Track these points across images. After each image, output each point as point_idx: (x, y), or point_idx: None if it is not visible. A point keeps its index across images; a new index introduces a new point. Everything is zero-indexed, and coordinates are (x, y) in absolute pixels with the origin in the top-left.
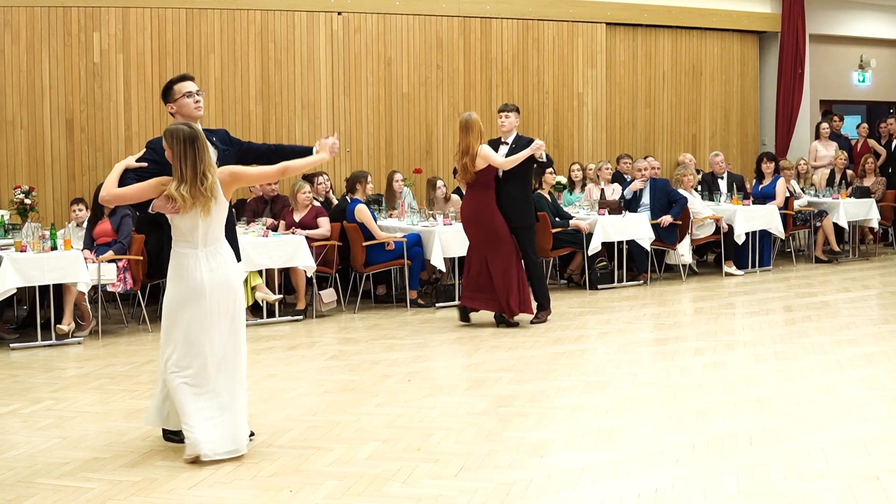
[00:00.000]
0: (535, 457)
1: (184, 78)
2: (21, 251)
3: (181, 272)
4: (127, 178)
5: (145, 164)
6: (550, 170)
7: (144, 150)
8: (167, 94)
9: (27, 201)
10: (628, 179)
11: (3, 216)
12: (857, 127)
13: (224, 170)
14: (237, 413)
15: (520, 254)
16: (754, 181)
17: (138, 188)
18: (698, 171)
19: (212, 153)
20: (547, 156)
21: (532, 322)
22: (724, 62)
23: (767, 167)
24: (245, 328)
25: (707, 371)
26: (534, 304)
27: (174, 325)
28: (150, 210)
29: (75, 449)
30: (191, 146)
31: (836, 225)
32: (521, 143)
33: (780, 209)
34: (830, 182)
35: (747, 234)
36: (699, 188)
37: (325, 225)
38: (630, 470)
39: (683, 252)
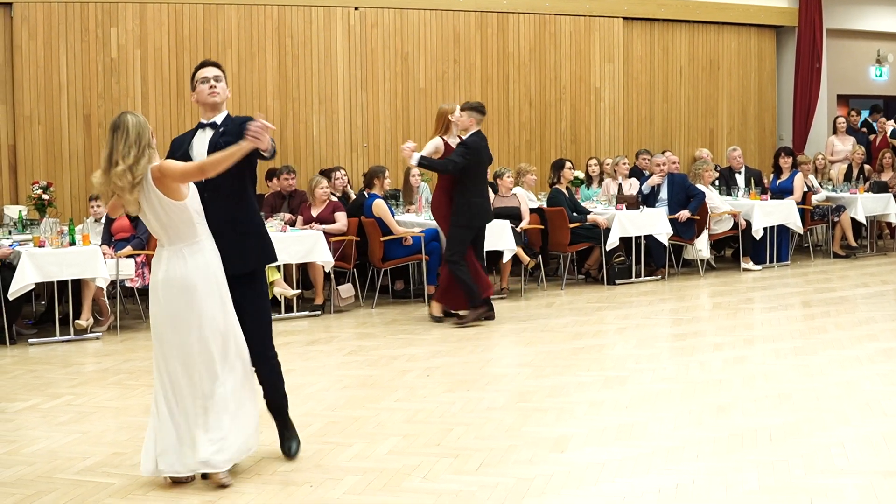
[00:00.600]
0: (555, 452)
1: (203, 65)
2: (39, 246)
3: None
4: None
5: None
6: (569, 164)
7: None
8: (192, 79)
9: (45, 197)
10: (646, 175)
11: (21, 212)
12: (877, 121)
13: (154, 165)
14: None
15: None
16: (772, 176)
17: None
18: (716, 167)
19: (201, 143)
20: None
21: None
22: (742, 57)
23: (785, 162)
24: (220, 331)
25: (726, 366)
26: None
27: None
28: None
29: (95, 444)
30: (111, 133)
31: (853, 220)
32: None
33: (797, 204)
34: (848, 177)
35: (765, 229)
36: (716, 183)
37: (342, 220)
38: (650, 465)
39: (701, 247)
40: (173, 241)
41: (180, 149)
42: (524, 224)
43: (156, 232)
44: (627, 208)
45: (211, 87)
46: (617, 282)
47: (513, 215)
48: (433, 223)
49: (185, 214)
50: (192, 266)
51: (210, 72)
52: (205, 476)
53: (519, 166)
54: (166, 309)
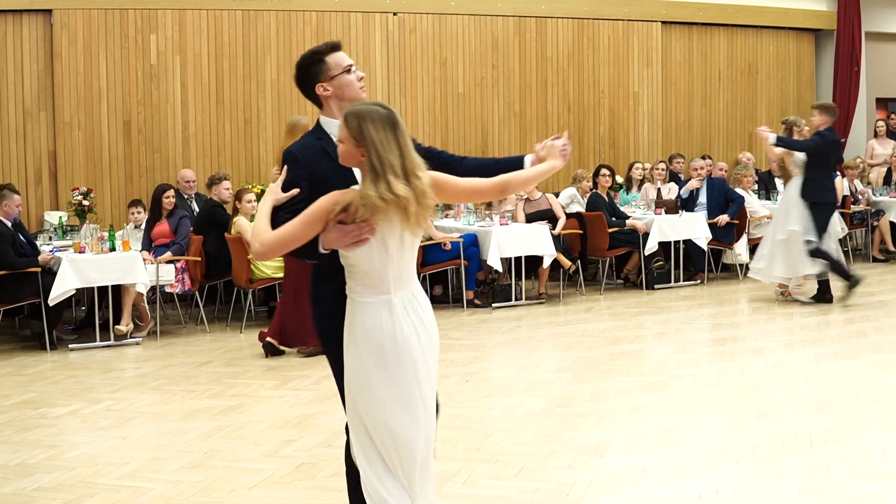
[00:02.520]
0: (595, 457)
1: (335, 48)
2: (79, 252)
3: (365, 328)
4: (280, 218)
5: (295, 192)
6: (605, 171)
7: (283, 169)
8: (313, 68)
9: (85, 203)
10: (683, 179)
11: (61, 218)
12: None
13: (425, 175)
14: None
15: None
16: None
17: (300, 223)
18: (756, 171)
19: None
20: None
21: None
22: (780, 60)
23: None
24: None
25: (766, 371)
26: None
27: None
28: (321, 250)
29: (135, 449)
30: (392, 130)
31: (892, 224)
32: None
33: (838, 208)
34: (887, 180)
35: None
36: (756, 187)
37: None
38: (690, 471)
39: (740, 251)
40: (406, 282)
41: (317, 167)
42: (560, 225)
43: (386, 271)
44: (666, 213)
45: (361, 79)
46: (656, 286)
47: (548, 217)
48: (472, 228)
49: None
50: (429, 308)
51: (349, 59)
52: None
53: (575, 172)
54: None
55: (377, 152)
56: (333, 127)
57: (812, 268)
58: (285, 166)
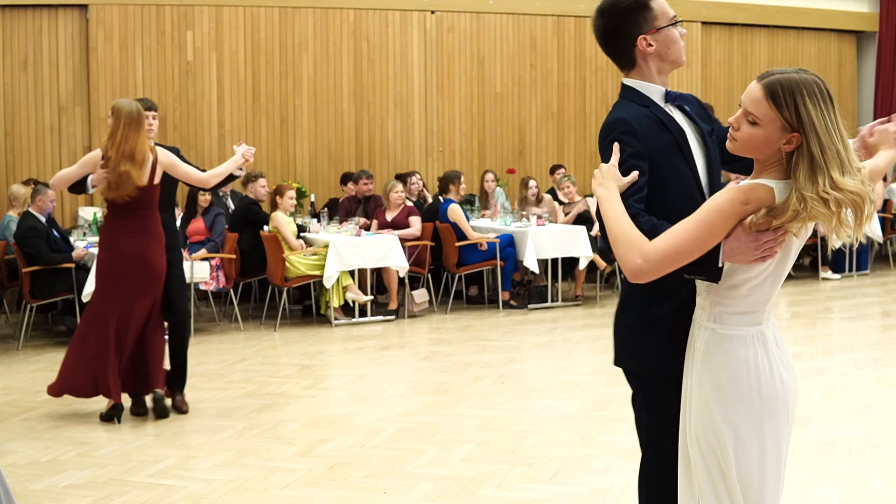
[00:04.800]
0: (632, 462)
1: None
2: None
3: (733, 368)
4: (630, 208)
5: (636, 175)
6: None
7: (612, 140)
8: (634, 15)
9: None
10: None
11: (95, 213)
12: None
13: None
14: None
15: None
16: None
17: (698, 228)
18: None
19: (689, 128)
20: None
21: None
22: (822, 62)
23: None
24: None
25: (805, 377)
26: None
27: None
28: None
29: (168, 447)
30: (832, 106)
31: None
32: None
33: (878, 213)
34: None
35: None
36: None
37: (416, 224)
38: None
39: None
40: (772, 307)
41: (654, 141)
42: (597, 229)
43: (770, 295)
44: None
45: (682, 36)
46: None
47: (585, 219)
48: (508, 229)
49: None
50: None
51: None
52: None
53: None
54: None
55: (818, 138)
56: (656, 93)
57: None
58: (616, 142)
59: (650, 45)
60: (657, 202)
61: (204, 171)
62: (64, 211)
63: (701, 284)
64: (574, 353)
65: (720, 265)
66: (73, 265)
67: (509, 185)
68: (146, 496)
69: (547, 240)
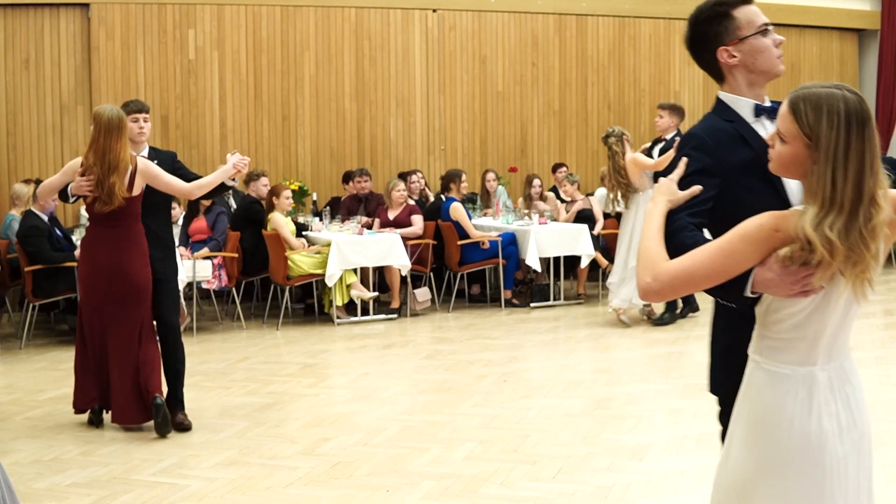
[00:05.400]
0: (634, 460)
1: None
2: None
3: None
4: (678, 221)
5: (698, 189)
6: None
7: (682, 155)
8: (714, 25)
9: None
10: None
11: None
12: None
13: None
14: None
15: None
16: None
17: (719, 252)
18: None
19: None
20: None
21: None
22: (823, 60)
23: None
24: None
25: None
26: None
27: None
28: (749, 293)
29: (171, 446)
30: (860, 131)
31: None
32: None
33: None
34: None
35: None
36: None
37: (418, 223)
38: None
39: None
40: (840, 351)
41: (730, 157)
42: (600, 226)
43: (822, 335)
44: None
45: (779, 45)
46: None
47: (587, 217)
48: (510, 227)
49: None
50: (861, 388)
51: (765, 17)
52: None
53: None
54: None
55: (832, 166)
56: (745, 107)
57: None
58: (682, 154)
59: (733, 56)
60: (731, 219)
61: (197, 178)
62: (66, 210)
63: (761, 317)
64: (576, 352)
65: (749, 293)
66: (75, 264)
67: (511, 183)
68: (149, 495)
69: (549, 238)
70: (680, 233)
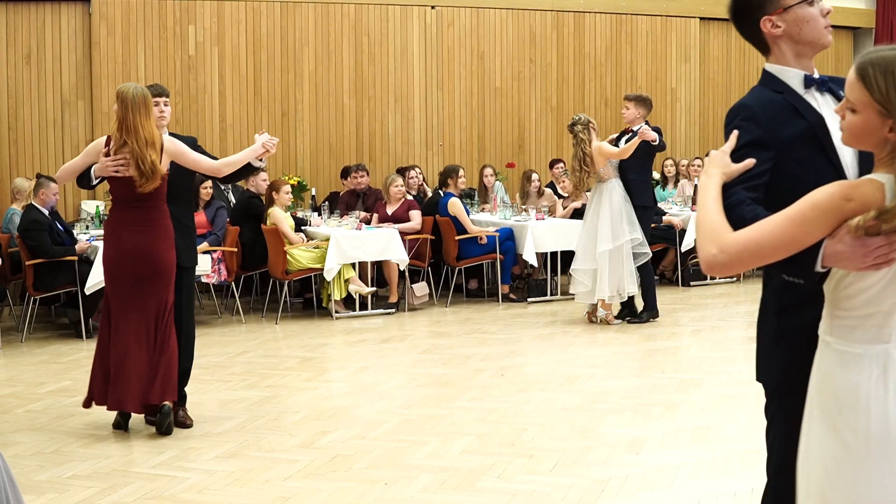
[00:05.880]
0: (630, 454)
1: None
2: None
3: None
4: (735, 195)
5: (752, 162)
6: None
7: (733, 127)
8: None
9: None
10: None
11: (98, 207)
12: None
13: None
14: None
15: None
16: None
17: (788, 223)
18: None
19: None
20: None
21: (180, 422)
22: (819, 58)
23: None
24: None
25: None
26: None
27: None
28: (819, 268)
29: (171, 438)
30: None
31: None
32: None
33: None
34: None
35: None
36: None
37: (416, 218)
38: (726, 469)
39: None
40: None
41: (782, 129)
42: None
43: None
44: None
45: (826, 14)
46: (692, 283)
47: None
48: (508, 222)
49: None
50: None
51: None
52: None
53: None
54: None
55: None
56: (794, 78)
57: (634, 284)
58: (736, 129)
59: (776, 26)
60: (784, 193)
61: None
62: (67, 204)
63: (830, 294)
64: (573, 346)
65: (819, 268)
66: (75, 258)
67: (509, 179)
68: (149, 487)
69: (546, 233)
70: (738, 206)
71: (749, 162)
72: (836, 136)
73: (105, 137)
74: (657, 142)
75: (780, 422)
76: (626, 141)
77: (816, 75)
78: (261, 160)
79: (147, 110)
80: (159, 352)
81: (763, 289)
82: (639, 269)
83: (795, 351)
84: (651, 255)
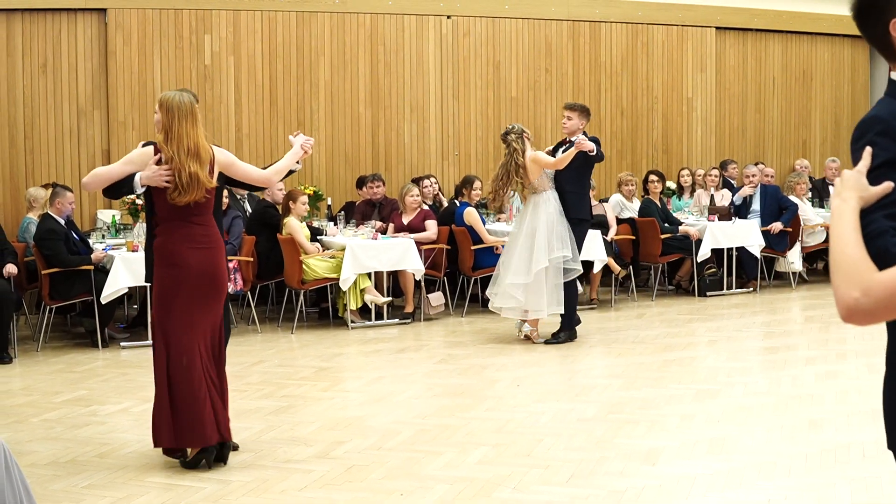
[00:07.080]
0: (647, 464)
1: None
2: (133, 251)
3: None
4: (875, 223)
5: (890, 185)
6: (653, 177)
7: (865, 143)
8: None
9: (138, 202)
10: (735, 186)
11: (114, 216)
12: None
13: None
14: None
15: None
16: None
17: None
18: (810, 178)
19: None
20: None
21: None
22: (835, 67)
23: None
24: None
25: (819, 381)
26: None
27: None
28: None
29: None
30: None
31: None
32: None
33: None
34: None
35: None
36: (809, 195)
37: (432, 228)
38: (742, 480)
39: (793, 259)
40: None
41: None
42: (613, 232)
43: None
44: (719, 219)
45: None
46: (708, 293)
47: (601, 223)
48: None
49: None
50: None
51: None
52: None
53: (619, 176)
54: None
55: None
56: None
57: (560, 304)
58: (867, 142)
59: None
60: None
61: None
62: (83, 213)
63: None
64: (589, 357)
65: None
66: (91, 267)
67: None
68: (165, 497)
69: None
70: (880, 237)
71: (888, 185)
72: None
73: (152, 145)
74: (594, 152)
75: None
76: (564, 151)
77: None
78: (298, 162)
79: (194, 118)
80: (215, 396)
81: (889, 336)
82: (564, 284)
83: None
84: (581, 271)
